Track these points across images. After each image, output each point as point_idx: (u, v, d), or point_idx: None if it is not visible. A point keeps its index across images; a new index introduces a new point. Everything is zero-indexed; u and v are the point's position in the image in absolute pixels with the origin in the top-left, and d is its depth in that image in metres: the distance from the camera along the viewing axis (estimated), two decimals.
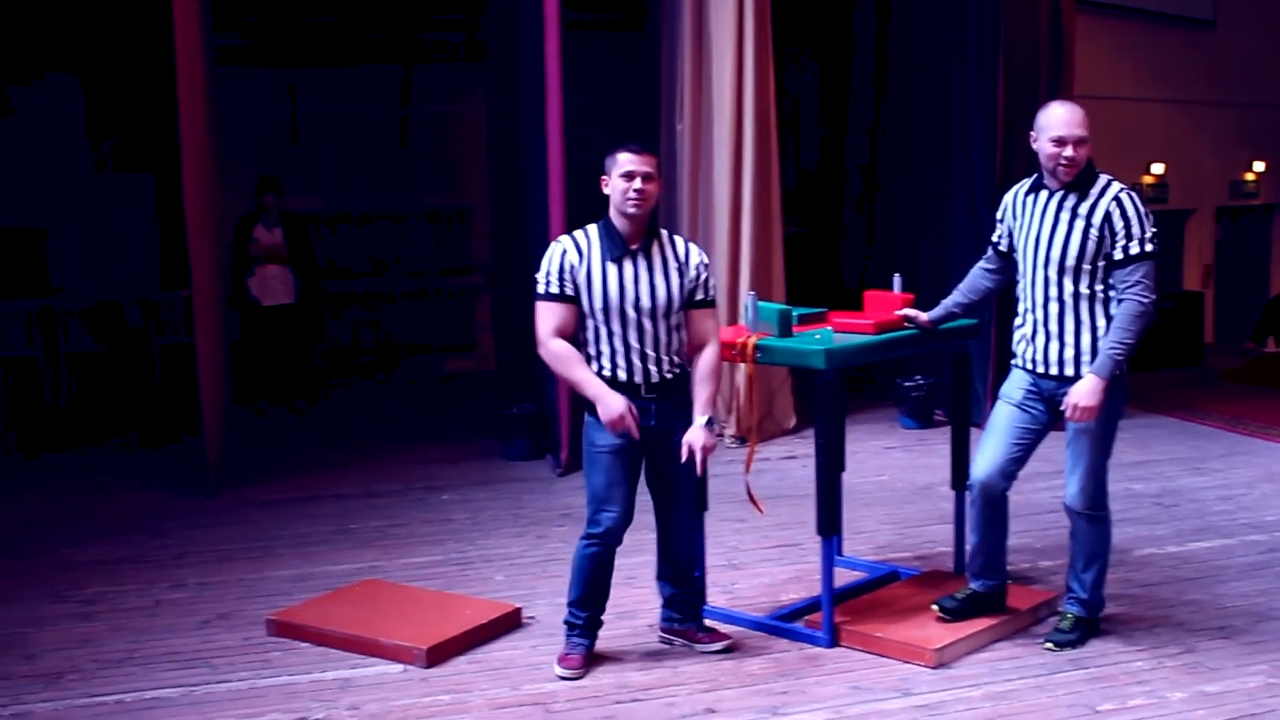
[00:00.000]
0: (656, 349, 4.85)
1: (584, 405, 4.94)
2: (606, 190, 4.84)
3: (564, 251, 4.82)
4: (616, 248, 4.81)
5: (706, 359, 4.93)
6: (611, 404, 4.75)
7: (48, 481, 8.57)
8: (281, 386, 10.74)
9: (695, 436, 4.83)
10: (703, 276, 4.94)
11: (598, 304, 4.80)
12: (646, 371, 4.84)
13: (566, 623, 5.08)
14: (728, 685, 4.84)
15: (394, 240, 12.92)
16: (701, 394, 4.89)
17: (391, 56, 12.54)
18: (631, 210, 4.77)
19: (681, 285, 4.88)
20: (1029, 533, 6.68)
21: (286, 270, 10.38)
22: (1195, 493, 7.62)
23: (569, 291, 4.80)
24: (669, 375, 4.89)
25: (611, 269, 4.80)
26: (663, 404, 4.89)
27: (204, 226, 8.26)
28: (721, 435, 8.94)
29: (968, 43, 9.48)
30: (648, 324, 4.82)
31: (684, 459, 4.84)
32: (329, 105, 12.41)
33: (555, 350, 4.81)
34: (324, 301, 11.63)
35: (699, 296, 4.93)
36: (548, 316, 4.81)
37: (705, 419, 4.84)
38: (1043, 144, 4.96)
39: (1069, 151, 4.89)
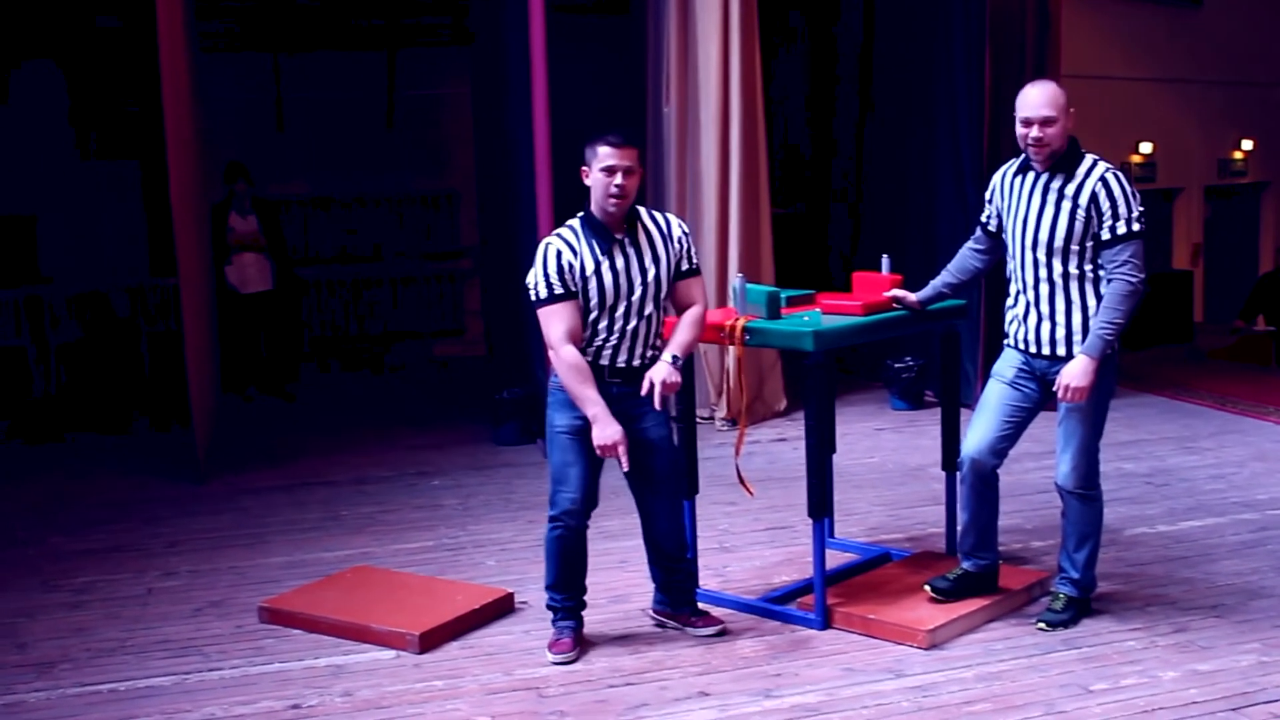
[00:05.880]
0: (649, 330, 4.85)
1: (546, 385, 4.91)
2: (587, 181, 4.79)
3: (558, 252, 4.76)
4: (604, 240, 4.78)
5: (692, 311, 4.91)
6: (608, 431, 4.70)
7: (38, 471, 8.54)
8: (265, 374, 10.70)
9: (658, 371, 4.76)
10: (685, 245, 4.92)
11: (594, 299, 4.76)
12: (644, 356, 4.84)
13: (549, 607, 5.07)
14: (720, 668, 4.85)
15: (381, 225, 12.89)
16: (679, 337, 4.86)
17: (377, 41, 12.49)
18: (612, 209, 4.75)
19: (669, 259, 4.87)
20: (1020, 513, 6.68)
21: (263, 257, 10.32)
22: (1186, 471, 7.63)
23: (572, 288, 4.74)
24: (649, 358, 4.89)
25: (604, 262, 4.77)
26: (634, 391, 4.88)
27: (189, 213, 8.23)
28: (711, 418, 8.94)
29: (954, 22, 9.45)
30: (649, 307, 4.82)
31: (644, 392, 4.77)
32: (314, 90, 12.36)
33: (569, 360, 4.71)
34: (299, 287, 11.60)
35: (684, 266, 4.92)
36: (557, 320, 4.73)
37: (671, 356, 4.79)
38: (1017, 125, 4.98)
39: (1035, 132, 4.90)
